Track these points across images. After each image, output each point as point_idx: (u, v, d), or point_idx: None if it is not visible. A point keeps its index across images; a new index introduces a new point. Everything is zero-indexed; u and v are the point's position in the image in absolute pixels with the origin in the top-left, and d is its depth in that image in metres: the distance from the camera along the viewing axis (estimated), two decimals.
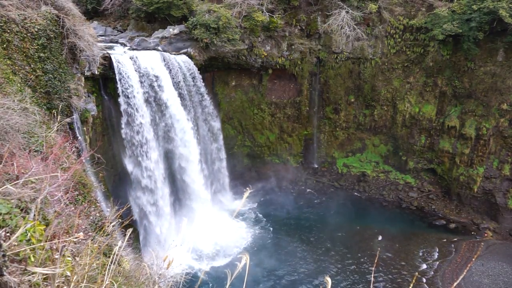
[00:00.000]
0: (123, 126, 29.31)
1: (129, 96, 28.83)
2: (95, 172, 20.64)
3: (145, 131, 30.20)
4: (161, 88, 30.67)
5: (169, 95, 31.16)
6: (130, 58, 29.15)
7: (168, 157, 33.53)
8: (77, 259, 5.02)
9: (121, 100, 28.61)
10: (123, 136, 29.55)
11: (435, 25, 35.16)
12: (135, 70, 29.03)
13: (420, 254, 33.52)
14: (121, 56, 28.77)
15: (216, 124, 38.27)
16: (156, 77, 30.26)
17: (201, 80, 35.08)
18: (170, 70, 31.45)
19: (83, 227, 8.29)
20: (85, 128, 24.43)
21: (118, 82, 28.04)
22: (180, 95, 32.34)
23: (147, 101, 30.33)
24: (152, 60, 30.64)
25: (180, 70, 32.58)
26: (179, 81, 32.20)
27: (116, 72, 27.85)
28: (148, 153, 30.54)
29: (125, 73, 28.20)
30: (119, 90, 28.27)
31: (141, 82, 29.52)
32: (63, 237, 5.14)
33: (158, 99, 31.07)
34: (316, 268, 31.47)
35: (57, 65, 20.51)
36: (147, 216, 31.12)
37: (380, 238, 35.05)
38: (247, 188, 4.97)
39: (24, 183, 6.40)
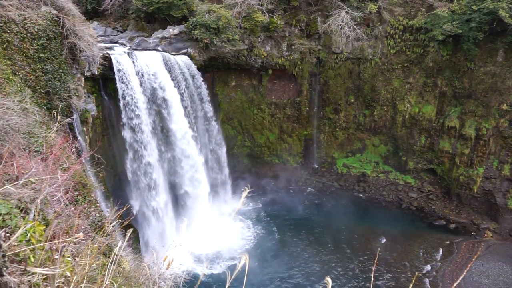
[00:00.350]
0: (128, 164, 27.11)
1: (136, 130, 26.45)
2: (95, 172, 20.62)
3: (154, 172, 27.68)
4: (171, 116, 28.34)
5: (180, 126, 28.88)
6: (137, 73, 26.89)
7: (172, 185, 31.46)
8: (77, 259, 5.02)
9: (126, 134, 26.15)
10: (129, 176, 27.45)
11: (435, 26, 35.17)
12: (142, 93, 26.65)
13: (421, 254, 33.52)
14: (126, 69, 26.47)
15: (223, 153, 36.47)
16: (165, 100, 27.94)
17: (210, 104, 32.95)
18: (178, 87, 29.21)
19: (83, 227, 8.29)
20: (85, 128, 24.41)
21: (123, 110, 25.95)
22: (190, 123, 29.94)
23: (153, 132, 27.73)
24: (161, 78, 27.90)
25: (188, 89, 30.32)
26: (186, 106, 29.95)
27: (120, 95, 25.75)
28: (157, 196, 28.22)
29: (132, 97, 25.70)
30: (124, 120, 26.01)
31: (149, 109, 27.07)
32: (63, 237, 5.14)
33: (166, 129, 28.66)
34: (318, 269, 31.44)
35: (57, 66, 20.51)
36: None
37: (383, 240, 34.90)
38: (245, 188, 4.95)
39: (24, 183, 6.39)
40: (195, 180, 31.35)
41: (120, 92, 26.53)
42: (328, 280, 3.78)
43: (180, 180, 31.05)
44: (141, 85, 27.44)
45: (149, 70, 28.16)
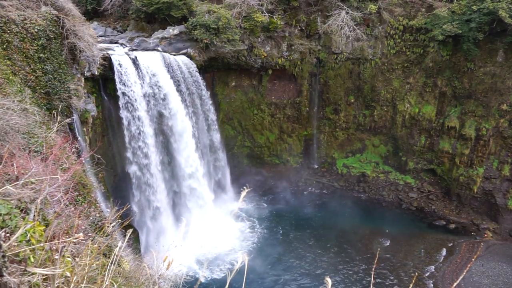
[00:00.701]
0: (135, 207, 25.85)
1: (144, 171, 25.03)
2: (95, 173, 20.61)
3: (163, 218, 26.75)
4: (180, 151, 27.21)
5: (191, 162, 27.71)
6: (144, 96, 25.54)
7: (177, 215, 30.79)
8: (77, 259, 5.01)
9: (132, 170, 24.77)
10: (136, 218, 26.47)
11: (435, 26, 35.17)
12: (149, 126, 25.25)
13: (421, 254, 33.50)
14: (133, 91, 25.10)
15: (227, 178, 36.20)
16: (173, 132, 26.75)
17: (218, 131, 32.24)
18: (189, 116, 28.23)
19: (83, 227, 8.29)
20: (85, 129, 24.40)
21: (129, 146, 24.72)
22: (200, 156, 28.97)
23: (162, 170, 26.54)
24: (173, 103, 26.35)
25: (196, 116, 29.19)
26: (194, 134, 29.10)
27: (124, 125, 24.68)
28: (165, 241, 27.29)
29: (140, 131, 24.17)
30: (130, 157, 24.51)
31: (156, 141, 25.68)
32: (63, 237, 5.14)
33: (174, 163, 27.61)
34: (319, 269, 31.41)
35: (57, 66, 20.50)
36: None
37: (387, 243, 34.76)
38: (244, 188, 4.95)
39: (24, 183, 6.39)
40: (203, 215, 30.90)
41: (125, 122, 25.15)
42: (328, 280, 3.78)
43: (186, 210, 30.35)
44: (148, 112, 26.10)
45: (159, 93, 26.68)
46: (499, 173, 36.58)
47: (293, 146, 43.21)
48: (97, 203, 15.08)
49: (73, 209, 9.13)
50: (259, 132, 41.72)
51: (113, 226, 9.35)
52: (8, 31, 18.27)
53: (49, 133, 13.61)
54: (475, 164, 37.36)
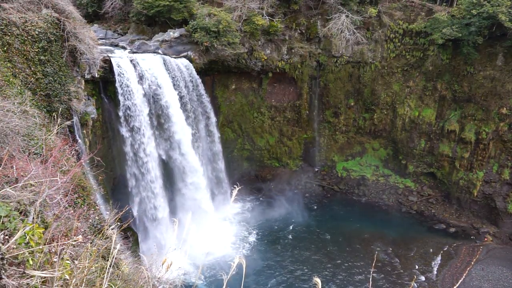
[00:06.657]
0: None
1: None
2: (95, 175, 20.57)
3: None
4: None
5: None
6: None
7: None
8: (76, 262, 5.00)
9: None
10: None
11: (435, 30, 35.27)
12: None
13: (420, 258, 33.43)
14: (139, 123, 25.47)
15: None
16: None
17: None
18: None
19: (82, 230, 8.28)
20: (84, 131, 24.40)
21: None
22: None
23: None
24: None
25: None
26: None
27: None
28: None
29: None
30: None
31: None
32: (62, 240, 5.13)
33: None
34: (316, 272, 31.33)
35: (57, 68, 20.53)
36: None
37: (384, 244, 34.79)
38: (234, 186, 4.95)
39: (23, 186, 6.39)
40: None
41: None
42: (318, 281, 3.77)
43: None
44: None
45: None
46: (499, 176, 36.56)
47: (293, 149, 43.21)
48: (97, 206, 15.06)
49: (72, 211, 9.12)
50: (259, 135, 41.74)
51: (112, 229, 9.33)
52: (9, 34, 18.31)
53: (49, 135, 13.60)
54: (475, 168, 37.36)
